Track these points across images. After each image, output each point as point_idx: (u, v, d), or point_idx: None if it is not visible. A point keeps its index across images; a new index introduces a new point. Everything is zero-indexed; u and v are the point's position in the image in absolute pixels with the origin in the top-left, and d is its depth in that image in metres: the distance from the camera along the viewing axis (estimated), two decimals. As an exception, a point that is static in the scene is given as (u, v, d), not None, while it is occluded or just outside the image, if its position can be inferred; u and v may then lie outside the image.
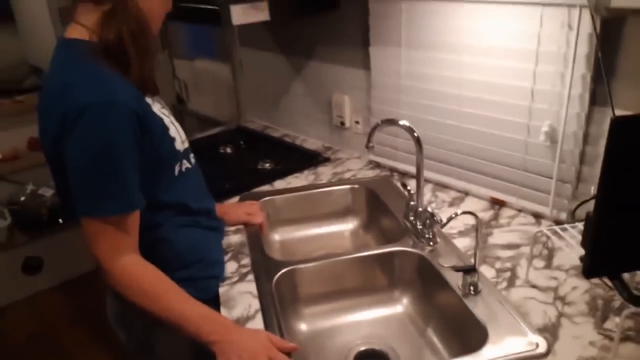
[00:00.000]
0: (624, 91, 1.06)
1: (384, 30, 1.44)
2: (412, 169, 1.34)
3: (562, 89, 1.11)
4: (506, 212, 1.29)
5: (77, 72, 0.83)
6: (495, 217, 1.28)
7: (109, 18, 0.85)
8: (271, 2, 1.43)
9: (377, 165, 1.60)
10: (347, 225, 1.47)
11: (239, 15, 1.36)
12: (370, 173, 1.56)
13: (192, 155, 1.04)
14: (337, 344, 1.07)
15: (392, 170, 1.56)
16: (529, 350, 0.85)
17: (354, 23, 1.54)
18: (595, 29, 1.01)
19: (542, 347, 0.85)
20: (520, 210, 1.28)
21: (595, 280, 0.98)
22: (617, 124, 0.67)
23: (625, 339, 0.87)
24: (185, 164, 1.00)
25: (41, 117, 0.87)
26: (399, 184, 1.44)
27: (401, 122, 1.16)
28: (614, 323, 0.90)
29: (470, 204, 1.35)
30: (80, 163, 0.81)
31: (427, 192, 1.40)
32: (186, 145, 1.01)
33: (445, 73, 1.32)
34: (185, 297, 0.89)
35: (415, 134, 1.15)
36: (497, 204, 1.33)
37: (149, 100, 0.91)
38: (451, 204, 1.35)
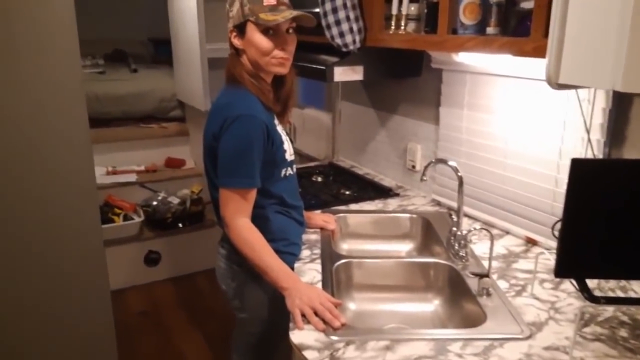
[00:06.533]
0: (631, 155, 1.32)
1: (452, 94, 1.80)
2: (466, 209, 1.66)
3: (582, 150, 1.39)
4: (536, 249, 1.54)
5: (234, 95, 1.31)
6: (525, 251, 1.54)
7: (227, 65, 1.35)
8: (366, 67, 1.86)
9: (438, 204, 1.92)
10: (404, 247, 1.79)
11: (340, 74, 1.81)
12: (430, 209, 1.88)
13: (295, 166, 1.46)
14: (375, 324, 1.39)
15: (450, 209, 1.87)
16: (515, 333, 1.12)
17: (430, 88, 1.93)
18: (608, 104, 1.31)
19: (526, 334, 1.12)
20: (548, 249, 1.53)
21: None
22: (574, 161, 0.97)
23: (597, 339, 1.10)
24: (289, 171, 1.42)
25: (209, 120, 1.33)
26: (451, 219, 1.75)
27: (450, 163, 1.50)
28: (592, 329, 1.14)
29: (507, 240, 1.61)
30: (227, 151, 1.26)
31: (477, 229, 1.69)
32: (293, 157, 1.43)
33: (495, 131, 1.65)
34: (273, 254, 1.28)
35: (459, 174, 1.48)
36: (530, 242, 1.58)
37: (275, 121, 1.36)
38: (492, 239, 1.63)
